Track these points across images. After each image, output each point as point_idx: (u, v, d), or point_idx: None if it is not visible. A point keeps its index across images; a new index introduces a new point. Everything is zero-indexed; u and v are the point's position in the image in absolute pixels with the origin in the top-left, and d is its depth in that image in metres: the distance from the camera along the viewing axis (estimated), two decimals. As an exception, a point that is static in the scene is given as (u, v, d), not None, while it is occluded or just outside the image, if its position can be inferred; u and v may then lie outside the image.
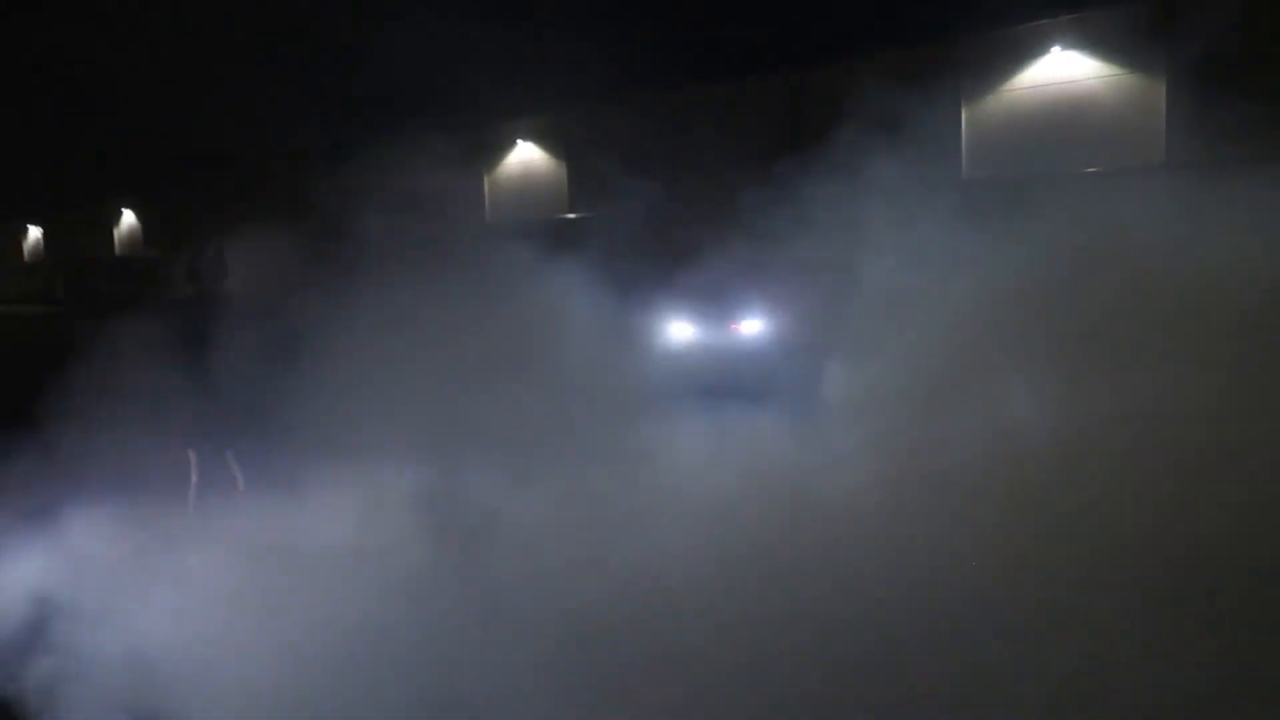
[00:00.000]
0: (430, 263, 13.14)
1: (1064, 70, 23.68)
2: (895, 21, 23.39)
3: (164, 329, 7.44)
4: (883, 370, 9.38)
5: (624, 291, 16.16)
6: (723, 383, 11.54)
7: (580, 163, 30.08)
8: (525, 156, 31.90)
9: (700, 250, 14.73)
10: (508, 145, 32.09)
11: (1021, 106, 24.38)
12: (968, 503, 6.53)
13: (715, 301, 14.89)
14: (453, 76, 21.63)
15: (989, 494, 6.58)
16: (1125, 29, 22.67)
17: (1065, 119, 23.48)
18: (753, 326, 14.51)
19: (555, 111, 30.08)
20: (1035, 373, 8.74)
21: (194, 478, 7.36)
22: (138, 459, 7.36)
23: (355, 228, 10.28)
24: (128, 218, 52.05)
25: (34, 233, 62.75)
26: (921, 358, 9.08)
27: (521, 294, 14.82)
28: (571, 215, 29.59)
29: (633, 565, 6.06)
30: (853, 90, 20.50)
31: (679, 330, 14.74)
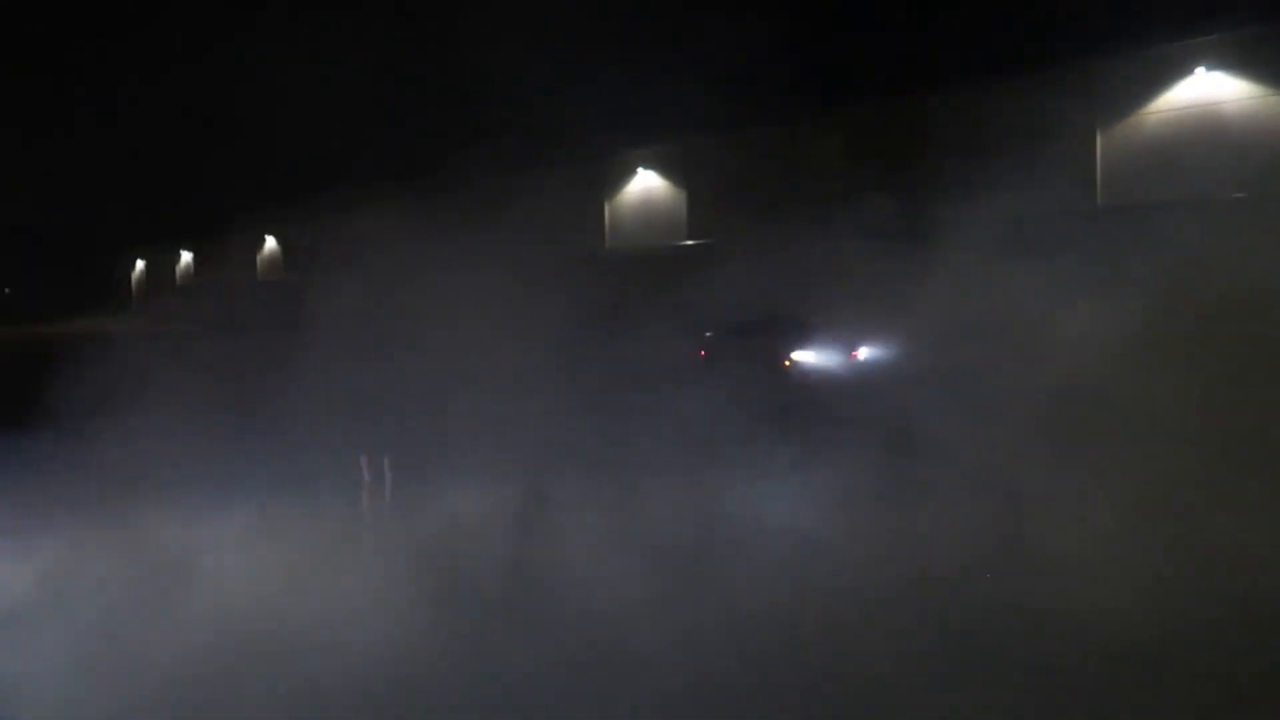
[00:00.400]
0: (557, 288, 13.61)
1: (1209, 92, 22.58)
2: (1028, 44, 22.80)
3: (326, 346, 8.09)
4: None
5: (739, 319, 16.21)
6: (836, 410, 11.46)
7: (699, 190, 30.26)
8: (646, 184, 32.28)
9: (820, 276, 14.66)
10: (629, 173, 32.55)
11: (1162, 130, 23.33)
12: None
13: (832, 330, 14.76)
14: (577, 106, 22.14)
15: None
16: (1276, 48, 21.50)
17: (1209, 142, 22.35)
18: (869, 354, 14.34)
19: (676, 140, 30.36)
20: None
21: (365, 478, 8.07)
22: (316, 461, 8.15)
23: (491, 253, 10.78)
24: (269, 244, 55.00)
25: (185, 257, 66.85)
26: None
27: (643, 322, 15.05)
28: (690, 242, 29.78)
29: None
30: (983, 116, 20.06)
31: (801, 356, 14.70)
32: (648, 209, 32.16)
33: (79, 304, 53.70)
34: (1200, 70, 22.51)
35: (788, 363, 14.83)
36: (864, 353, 14.53)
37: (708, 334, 16.87)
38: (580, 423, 9.45)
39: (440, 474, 8.43)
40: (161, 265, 68.45)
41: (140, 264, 73.61)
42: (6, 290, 70.01)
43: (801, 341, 14.99)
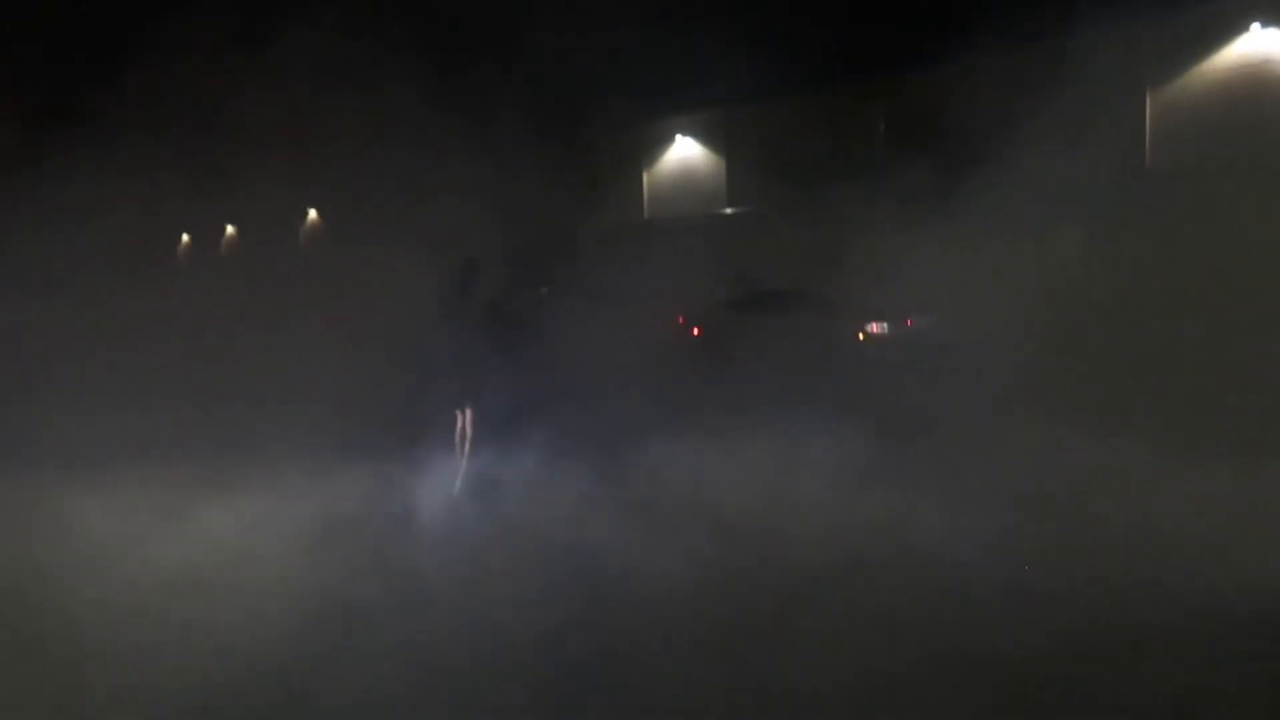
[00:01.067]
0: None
1: (1266, 48, 21.87)
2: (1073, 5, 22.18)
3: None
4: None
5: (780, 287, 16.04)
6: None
7: (740, 158, 30.01)
8: (685, 153, 32.06)
9: (851, 246, 14.34)
10: (667, 141, 32.34)
11: (1215, 90, 22.66)
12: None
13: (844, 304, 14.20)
14: (615, 72, 22.00)
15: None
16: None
17: (1268, 102, 21.68)
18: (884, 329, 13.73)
19: (716, 107, 30.09)
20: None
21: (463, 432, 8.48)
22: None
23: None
24: (311, 216, 55.55)
25: (229, 231, 67.76)
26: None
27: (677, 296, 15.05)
28: (730, 210, 29.58)
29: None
30: (1029, 78, 19.59)
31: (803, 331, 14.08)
32: (688, 177, 31.98)
33: None
34: (1255, 26, 21.84)
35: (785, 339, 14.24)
36: (879, 328, 13.79)
37: (704, 309, 16.61)
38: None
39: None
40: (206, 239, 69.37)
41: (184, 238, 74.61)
42: None
43: (802, 316, 14.45)
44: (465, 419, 8.39)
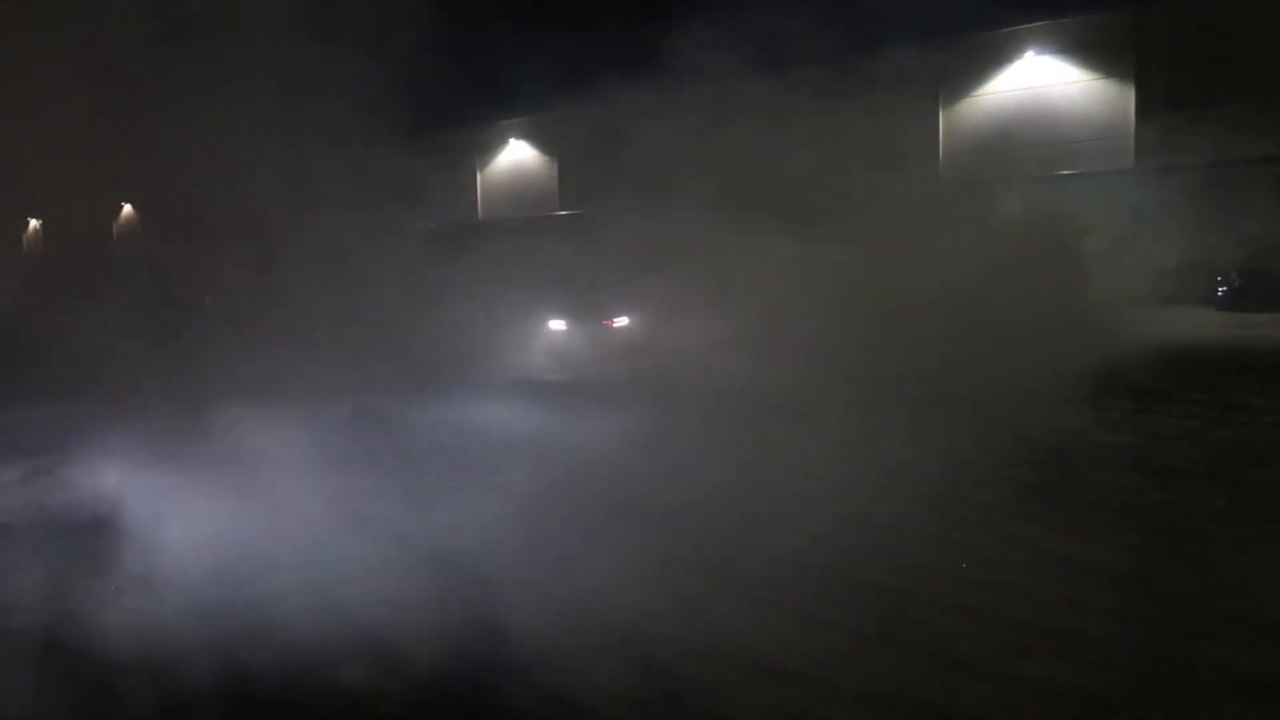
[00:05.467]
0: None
1: (1039, 76, 24.42)
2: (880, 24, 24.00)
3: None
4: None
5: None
6: None
7: (571, 161, 30.77)
8: (518, 155, 32.60)
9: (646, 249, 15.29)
10: (501, 143, 32.79)
11: (997, 110, 25.09)
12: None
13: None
14: (448, 75, 22.28)
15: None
16: (1097, 36, 23.45)
17: (1039, 122, 24.23)
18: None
19: (547, 110, 30.73)
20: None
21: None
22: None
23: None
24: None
25: (33, 224, 63.52)
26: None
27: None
28: (562, 213, 30.30)
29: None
30: (845, 90, 20.96)
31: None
32: (520, 179, 32.50)
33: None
34: (1030, 54, 24.33)
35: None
36: (621, 321, 14.75)
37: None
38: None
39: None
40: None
41: (-16, 232, 69.39)
42: None
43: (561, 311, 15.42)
44: None
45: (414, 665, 4.37)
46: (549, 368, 13.72)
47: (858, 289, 11.05)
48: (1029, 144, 24.37)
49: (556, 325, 15.08)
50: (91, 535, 6.32)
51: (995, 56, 24.97)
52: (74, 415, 9.33)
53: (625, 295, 14.42)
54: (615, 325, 14.82)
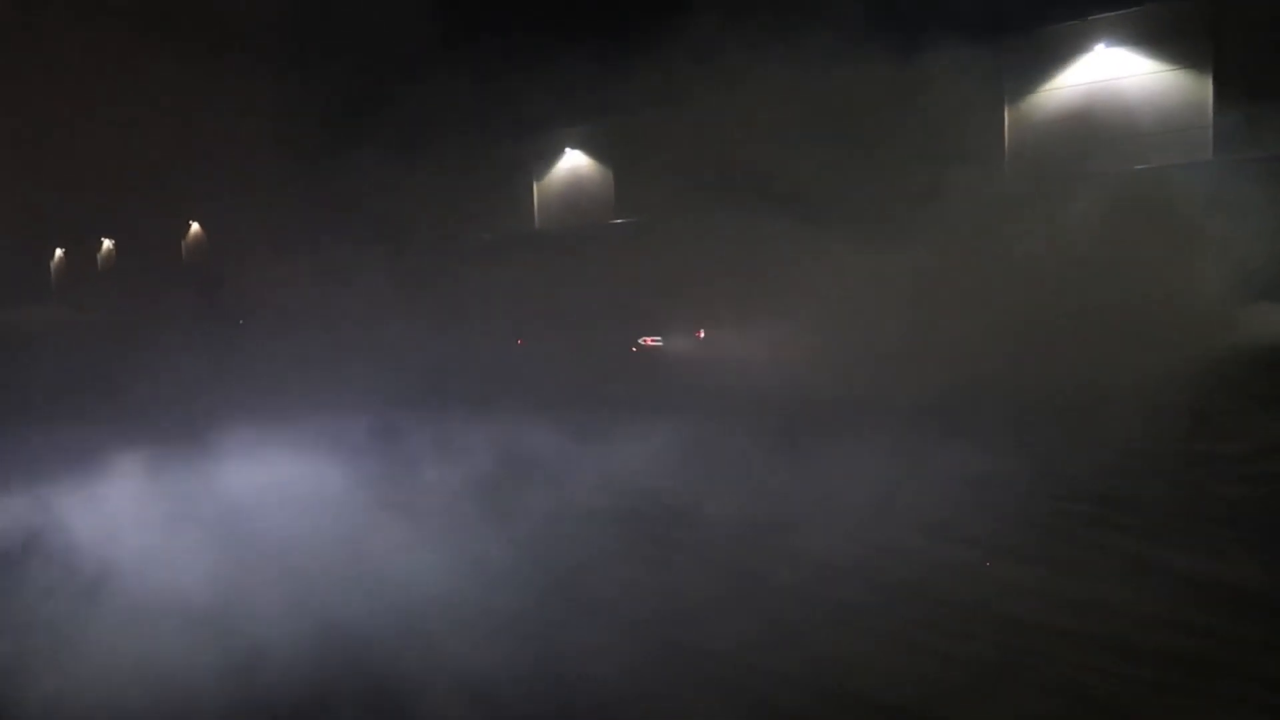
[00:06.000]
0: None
1: (1110, 68, 23.62)
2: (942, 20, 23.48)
3: None
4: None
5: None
6: None
7: (627, 170, 30.63)
8: (574, 164, 32.55)
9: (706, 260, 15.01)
10: (557, 153, 32.77)
11: (1066, 104, 24.34)
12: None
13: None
14: (505, 85, 22.28)
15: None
16: (1171, 26, 22.61)
17: (1112, 116, 23.42)
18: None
19: (603, 120, 30.65)
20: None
21: None
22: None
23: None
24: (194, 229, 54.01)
25: (106, 244, 65.22)
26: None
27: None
28: (618, 221, 30.16)
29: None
30: (903, 85, 20.56)
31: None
32: (576, 189, 32.46)
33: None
34: (1100, 47, 23.55)
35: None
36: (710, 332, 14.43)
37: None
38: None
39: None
40: (83, 253, 66.72)
41: (59, 252, 71.57)
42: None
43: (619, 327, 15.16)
44: None
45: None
46: (655, 385, 13.00)
47: (949, 293, 10.69)
48: (1101, 139, 23.57)
49: (653, 340, 14.65)
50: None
51: (1062, 50, 24.23)
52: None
53: (709, 306, 14.13)
54: (706, 336, 14.50)
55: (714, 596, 5.02)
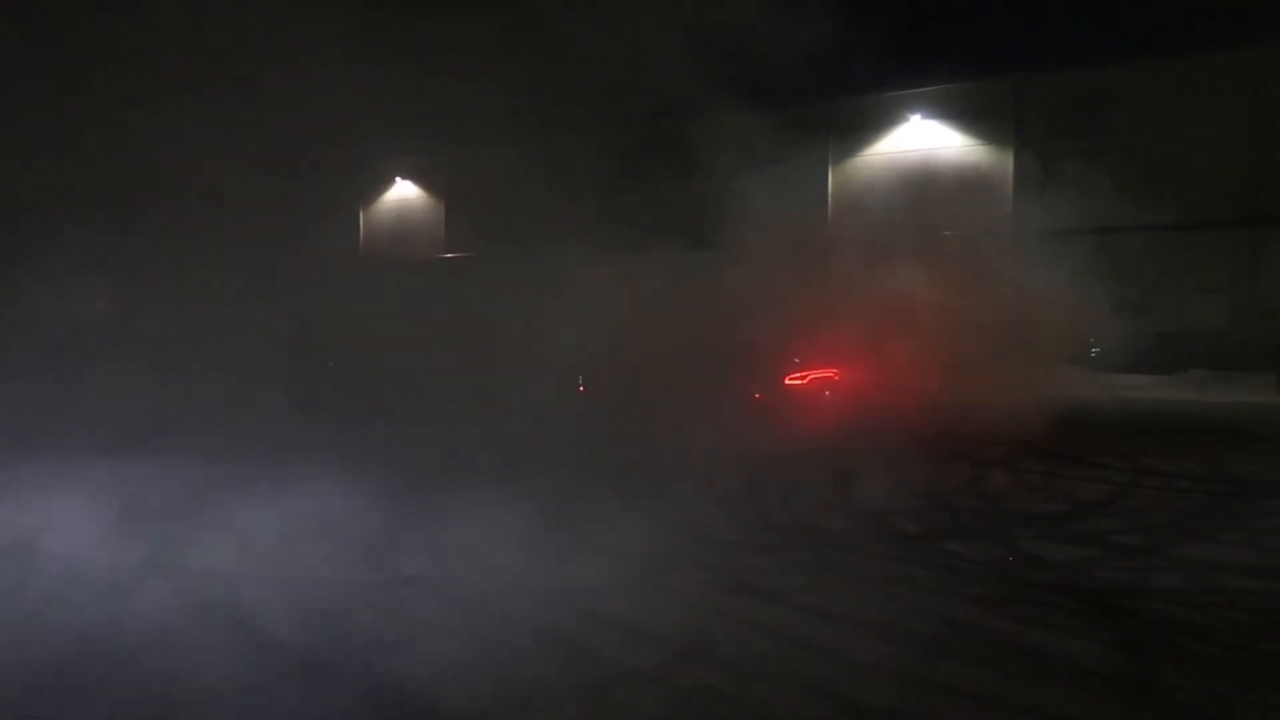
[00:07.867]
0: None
1: (924, 139, 25.20)
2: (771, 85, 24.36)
3: None
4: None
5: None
6: None
7: (458, 201, 30.05)
8: (403, 194, 31.67)
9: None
10: (385, 183, 31.80)
11: (883, 169, 25.76)
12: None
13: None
14: (333, 113, 21.31)
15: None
16: (979, 105, 24.41)
17: (924, 183, 24.96)
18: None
19: (434, 150, 29.97)
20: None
21: None
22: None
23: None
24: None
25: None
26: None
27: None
28: (449, 255, 29.43)
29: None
30: (738, 135, 21.01)
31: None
32: (404, 220, 31.56)
33: None
34: (915, 118, 25.13)
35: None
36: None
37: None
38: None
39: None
40: None
41: None
42: None
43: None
44: None
45: None
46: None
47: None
48: (914, 203, 25.03)
49: (749, 390, 13.41)
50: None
51: (882, 119, 25.69)
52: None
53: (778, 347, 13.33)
54: (803, 381, 13.36)
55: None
